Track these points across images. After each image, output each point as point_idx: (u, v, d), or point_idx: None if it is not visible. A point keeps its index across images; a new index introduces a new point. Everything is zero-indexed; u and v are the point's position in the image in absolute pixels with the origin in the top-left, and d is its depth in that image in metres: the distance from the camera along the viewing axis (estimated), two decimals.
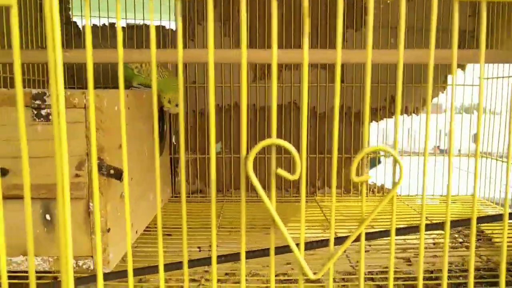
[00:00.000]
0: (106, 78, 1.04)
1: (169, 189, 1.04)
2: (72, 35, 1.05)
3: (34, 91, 0.57)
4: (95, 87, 0.96)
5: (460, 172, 1.17)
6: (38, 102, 0.57)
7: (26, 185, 0.31)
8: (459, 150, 1.20)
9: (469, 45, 1.07)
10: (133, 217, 0.72)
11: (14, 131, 0.57)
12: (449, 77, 1.09)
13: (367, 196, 1.11)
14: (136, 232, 0.74)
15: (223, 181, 1.09)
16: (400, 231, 0.54)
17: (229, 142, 1.08)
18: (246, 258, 0.33)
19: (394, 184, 0.32)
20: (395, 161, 0.32)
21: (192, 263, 0.54)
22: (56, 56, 0.29)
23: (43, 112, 0.57)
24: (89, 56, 0.29)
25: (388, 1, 1.05)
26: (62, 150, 0.30)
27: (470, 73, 1.14)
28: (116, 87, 0.88)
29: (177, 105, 0.93)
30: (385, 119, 1.10)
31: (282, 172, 0.30)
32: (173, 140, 1.09)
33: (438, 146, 1.29)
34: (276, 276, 0.75)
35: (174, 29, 1.06)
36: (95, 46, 1.02)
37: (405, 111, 1.10)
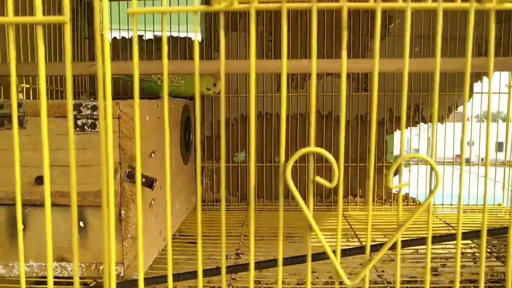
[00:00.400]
0: (125, 91, 1.07)
1: (194, 198, 1.05)
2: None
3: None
4: (114, 98, 0.99)
5: (482, 180, 1.14)
6: (74, 112, 0.59)
7: (73, 195, 0.33)
8: (482, 159, 1.19)
9: (496, 52, 1.06)
10: (161, 225, 0.74)
11: (51, 140, 0.59)
12: (476, 85, 1.08)
13: (390, 205, 1.10)
14: (164, 239, 0.76)
15: (247, 190, 1.10)
16: (436, 239, 0.54)
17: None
18: (283, 265, 0.34)
19: (431, 192, 0.32)
20: (432, 169, 0.32)
21: (231, 269, 0.55)
22: (105, 69, 0.31)
23: (79, 122, 0.59)
24: (135, 67, 0.31)
25: (412, 11, 1.05)
26: (109, 161, 0.32)
27: (495, 81, 1.13)
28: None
29: (215, 85, 0.94)
30: (409, 127, 1.09)
31: (320, 180, 0.31)
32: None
33: (459, 155, 1.27)
34: (301, 284, 0.75)
35: (199, 40, 1.08)
36: (126, 58, 1.05)
37: (430, 119, 1.09)
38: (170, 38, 1.08)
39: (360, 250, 0.56)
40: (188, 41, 1.08)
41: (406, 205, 1.10)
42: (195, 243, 0.90)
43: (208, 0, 1.07)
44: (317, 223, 0.31)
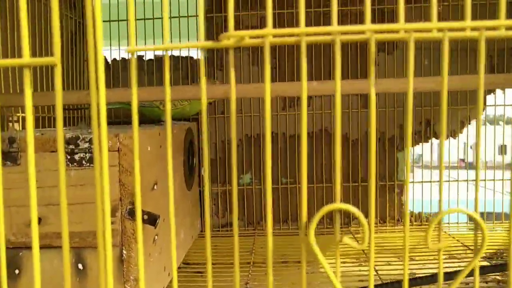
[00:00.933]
0: (125, 115, 1.03)
1: (199, 224, 1.01)
2: None
3: (67, 135, 0.56)
4: (113, 123, 0.95)
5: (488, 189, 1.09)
6: (71, 146, 0.56)
7: (65, 238, 0.29)
8: (485, 163, 1.15)
9: (508, 63, 1.02)
10: (166, 260, 0.69)
11: (46, 177, 0.56)
12: (488, 97, 1.04)
13: (404, 225, 1.05)
14: (169, 274, 0.71)
15: (254, 213, 1.06)
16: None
17: (258, 173, 1.05)
18: None
19: (476, 252, 0.28)
20: (476, 224, 0.28)
21: None
22: (100, 98, 0.27)
23: (77, 157, 0.56)
24: (134, 95, 0.27)
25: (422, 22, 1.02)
26: (104, 196, 0.28)
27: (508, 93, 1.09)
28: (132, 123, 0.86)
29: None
30: (420, 143, 1.05)
31: (348, 241, 0.27)
32: (202, 172, 1.07)
33: (463, 159, 1.23)
34: None
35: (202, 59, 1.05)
36: (126, 80, 1.02)
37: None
38: (172, 58, 1.05)
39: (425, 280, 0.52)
40: (190, 60, 1.05)
41: (420, 225, 1.05)
42: (201, 273, 0.85)
43: (210, 25, 1.03)
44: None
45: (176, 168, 0.81)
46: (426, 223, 1.05)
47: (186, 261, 0.89)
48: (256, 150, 1.05)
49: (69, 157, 0.56)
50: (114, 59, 1.05)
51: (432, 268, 0.88)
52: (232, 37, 0.27)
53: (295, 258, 0.92)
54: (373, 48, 0.28)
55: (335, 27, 0.25)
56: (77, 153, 0.56)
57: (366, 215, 0.94)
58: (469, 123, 1.04)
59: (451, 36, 0.27)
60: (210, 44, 0.27)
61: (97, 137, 0.30)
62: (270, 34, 0.26)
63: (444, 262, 0.90)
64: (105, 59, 1.05)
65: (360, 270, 0.90)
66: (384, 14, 1.02)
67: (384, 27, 0.26)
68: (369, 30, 0.27)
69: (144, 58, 1.05)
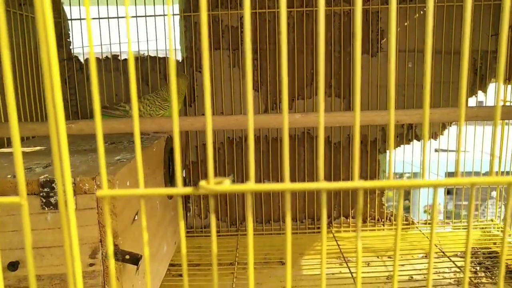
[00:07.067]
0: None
1: None
2: (74, 71, 1.00)
3: (41, 178, 0.53)
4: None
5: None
6: (46, 189, 0.54)
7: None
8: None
9: (491, 65, 1.01)
10: (151, 279, 0.70)
11: (22, 220, 0.54)
12: (470, 100, 1.04)
13: (383, 225, 1.08)
14: None
15: (237, 214, 1.06)
16: None
17: (241, 174, 1.05)
18: None
19: None
20: None
21: None
22: (60, 135, 0.24)
23: (52, 200, 0.54)
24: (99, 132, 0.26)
25: (405, 24, 0.99)
26: (73, 239, 0.26)
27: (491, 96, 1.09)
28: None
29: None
30: (402, 145, 1.06)
31: None
32: (183, 174, 1.05)
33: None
34: None
35: (180, 60, 1.01)
36: (101, 80, 0.98)
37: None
38: (148, 58, 1.01)
39: None
40: (167, 61, 1.00)
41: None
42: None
43: (187, 23, 0.99)
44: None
45: (158, 183, 0.80)
46: (405, 222, 1.07)
47: (170, 263, 0.90)
48: (238, 152, 1.04)
49: (44, 200, 0.54)
50: (87, 59, 1.00)
51: (410, 269, 0.91)
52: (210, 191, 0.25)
53: (278, 257, 0.94)
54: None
55: (321, 183, 0.24)
56: (52, 197, 0.54)
57: (347, 216, 0.96)
58: (450, 126, 1.04)
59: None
60: (189, 190, 0.25)
61: (60, 180, 0.26)
62: (249, 190, 0.24)
63: (419, 263, 0.93)
64: (78, 59, 1.00)
65: (340, 272, 0.93)
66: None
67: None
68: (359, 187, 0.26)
69: (119, 58, 1.00)
